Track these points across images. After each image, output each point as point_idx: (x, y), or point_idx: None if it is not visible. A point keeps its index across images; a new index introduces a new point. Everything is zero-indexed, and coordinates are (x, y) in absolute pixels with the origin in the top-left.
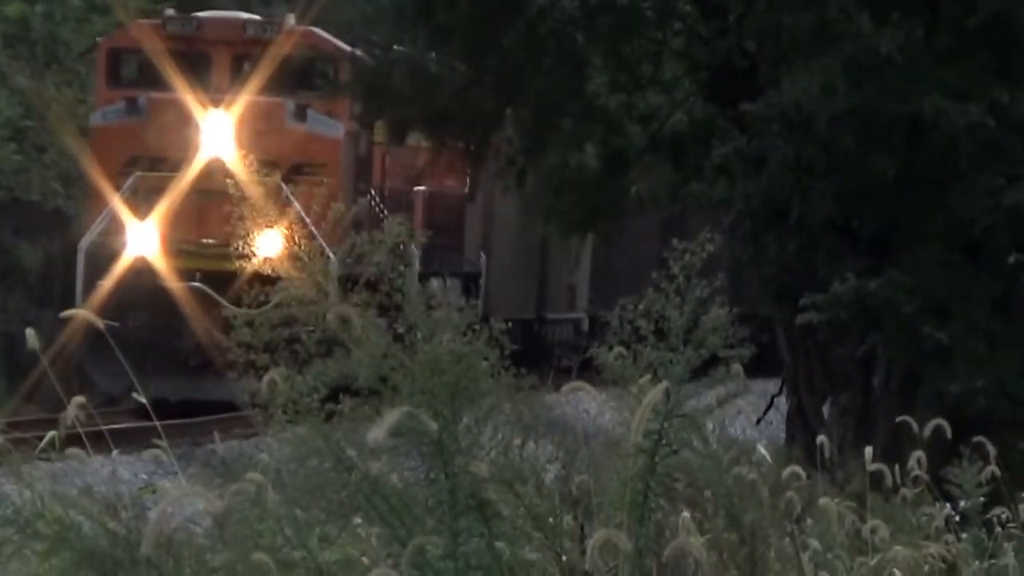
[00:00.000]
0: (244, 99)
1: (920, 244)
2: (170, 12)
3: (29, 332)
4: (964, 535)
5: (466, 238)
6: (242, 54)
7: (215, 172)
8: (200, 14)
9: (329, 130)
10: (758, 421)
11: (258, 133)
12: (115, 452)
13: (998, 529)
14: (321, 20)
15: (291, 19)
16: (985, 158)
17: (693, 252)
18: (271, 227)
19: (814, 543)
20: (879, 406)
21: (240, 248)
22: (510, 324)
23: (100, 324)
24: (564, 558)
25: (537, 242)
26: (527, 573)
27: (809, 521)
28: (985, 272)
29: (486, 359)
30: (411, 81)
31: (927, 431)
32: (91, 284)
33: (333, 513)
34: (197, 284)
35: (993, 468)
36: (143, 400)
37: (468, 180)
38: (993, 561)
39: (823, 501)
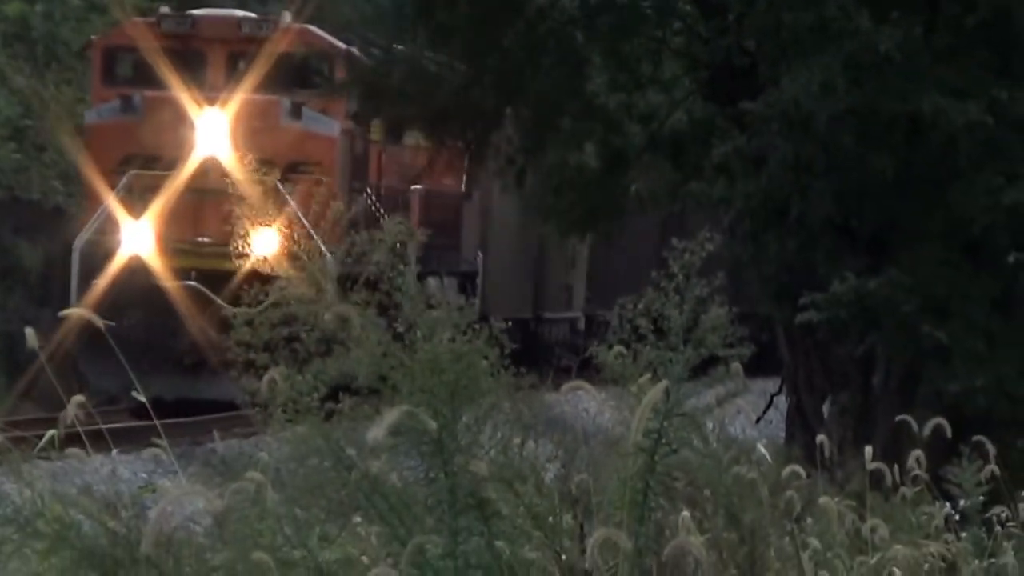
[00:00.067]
0: (239, 97)
1: (919, 243)
2: (165, 10)
3: (28, 331)
4: (964, 534)
5: (463, 237)
6: (237, 52)
7: (210, 170)
8: (195, 12)
9: (325, 128)
10: (758, 420)
11: (253, 131)
12: (115, 451)
13: (998, 528)
14: (317, 18)
15: (287, 17)
16: (984, 157)
17: (693, 251)
18: (267, 226)
19: (814, 542)
20: (879, 405)
21: (236, 247)
22: (510, 323)
23: (100, 323)
24: (564, 557)
25: (534, 241)
26: (527, 572)
27: (809, 520)
28: (984, 271)
29: (486, 358)
30: (411, 80)
31: (927, 430)
32: (86, 283)
33: (333, 512)
34: (192, 283)
35: (992, 467)
36: (143, 399)
37: (465, 179)
38: (993, 560)
39: (823, 500)
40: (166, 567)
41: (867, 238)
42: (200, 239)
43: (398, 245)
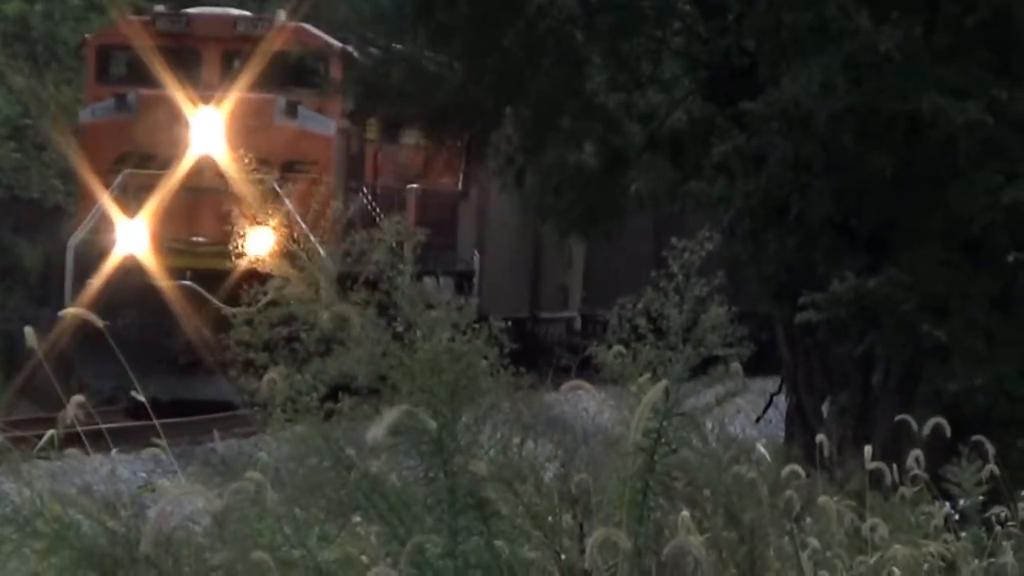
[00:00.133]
0: (234, 96)
1: (919, 242)
2: (160, 8)
3: (28, 330)
4: (963, 533)
5: (459, 236)
6: (232, 51)
7: (205, 169)
8: (190, 10)
9: (320, 127)
10: (757, 420)
11: (248, 130)
12: (114, 451)
13: (997, 527)
14: (312, 16)
15: (282, 15)
16: (984, 156)
17: (692, 251)
18: (263, 225)
19: (813, 542)
20: (878, 405)
21: (231, 246)
22: (509, 323)
23: (99, 323)
24: (563, 557)
25: (531, 241)
26: (526, 572)
27: (808, 520)
28: (984, 270)
29: (485, 358)
30: (410, 79)
31: (926, 429)
32: (80, 282)
33: (332, 512)
34: (187, 283)
35: (992, 466)
36: (142, 399)
37: (461, 178)
38: (992, 560)
39: (822, 500)
40: (165, 567)
41: (866, 237)
42: (195, 238)
43: (395, 244)
